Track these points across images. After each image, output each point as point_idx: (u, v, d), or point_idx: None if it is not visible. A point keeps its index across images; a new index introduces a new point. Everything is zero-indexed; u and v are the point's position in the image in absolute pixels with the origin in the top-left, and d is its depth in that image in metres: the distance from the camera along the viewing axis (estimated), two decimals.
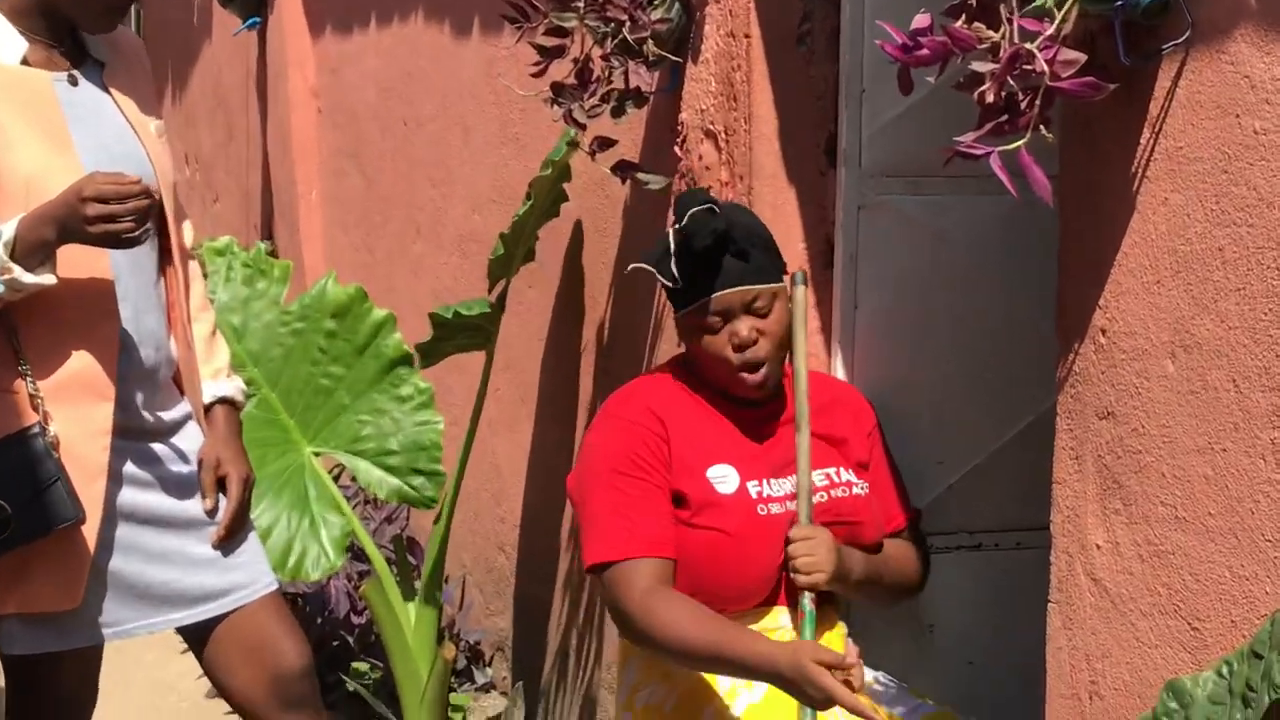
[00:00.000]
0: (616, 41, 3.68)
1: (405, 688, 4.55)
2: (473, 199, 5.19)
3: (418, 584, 4.57)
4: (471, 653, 4.97)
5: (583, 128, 3.81)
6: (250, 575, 3.17)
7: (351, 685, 4.67)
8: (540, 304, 4.73)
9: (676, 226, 3.23)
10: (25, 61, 3.00)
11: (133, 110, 3.17)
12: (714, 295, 3.25)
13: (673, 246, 3.23)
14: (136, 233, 2.85)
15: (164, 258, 3.21)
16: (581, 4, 3.68)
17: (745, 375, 3.27)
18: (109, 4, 3.05)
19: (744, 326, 3.24)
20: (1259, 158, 2.37)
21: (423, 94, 5.60)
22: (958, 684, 3.73)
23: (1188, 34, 2.47)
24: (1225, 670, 2.34)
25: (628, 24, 3.67)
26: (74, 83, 3.07)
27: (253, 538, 3.24)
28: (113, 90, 3.15)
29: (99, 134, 3.06)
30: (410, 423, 4.50)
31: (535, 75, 3.75)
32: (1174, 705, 2.36)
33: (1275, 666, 2.29)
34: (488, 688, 4.99)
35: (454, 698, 4.72)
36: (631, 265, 3.46)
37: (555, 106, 3.77)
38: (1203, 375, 2.49)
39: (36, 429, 2.93)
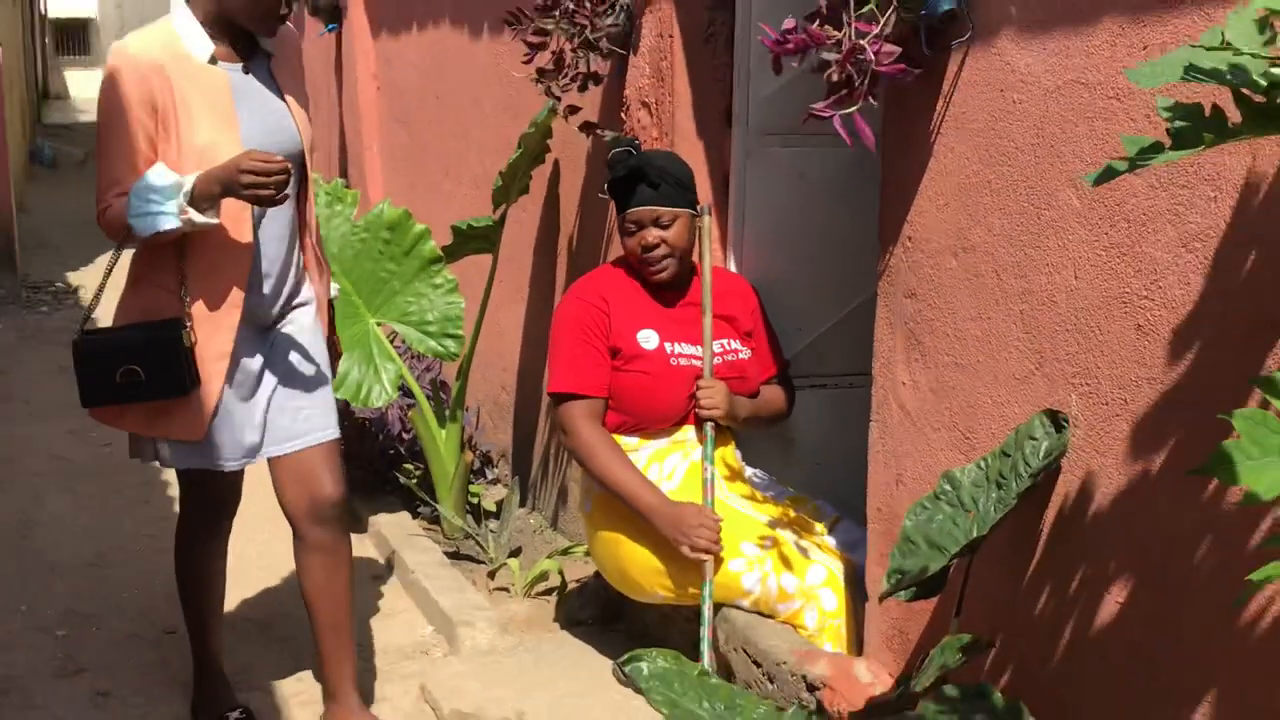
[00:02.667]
0: (581, 40, 3.66)
1: (439, 482, 4.58)
2: (483, 150, 5.15)
3: (447, 411, 4.59)
4: (484, 458, 5.00)
5: (559, 99, 3.80)
6: (321, 424, 3.16)
7: (403, 480, 4.70)
8: (531, 220, 4.72)
9: (607, 159, 3.29)
10: (213, 59, 2.94)
11: (292, 90, 3.11)
12: (630, 209, 3.30)
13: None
14: (276, 196, 2.82)
15: (302, 198, 3.17)
16: (557, 13, 3.65)
17: (648, 267, 3.35)
18: (269, 19, 2.96)
19: (650, 234, 3.33)
20: (1016, 119, 2.39)
21: (449, 76, 5.54)
22: (810, 477, 3.79)
23: (969, 34, 2.47)
24: (983, 464, 2.39)
25: (589, 27, 3.65)
26: (246, 72, 3.01)
27: (330, 397, 3.23)
28: (276, 76, 3.08)
29: (262, 113, 3.00)
30: (442, 302, 4.49)
31: (525, 63, 3.73)
32: (948, 487, 2.41)
33: (1020, 462, 2.33)
34: (494, 481, 5.02)
35: (472, 489, 4.75)
36: (600, 194, 3.51)
37: (539, 84, 3.76)
38: (975, 268, 2.52)
39: (182, 324, 2.93)
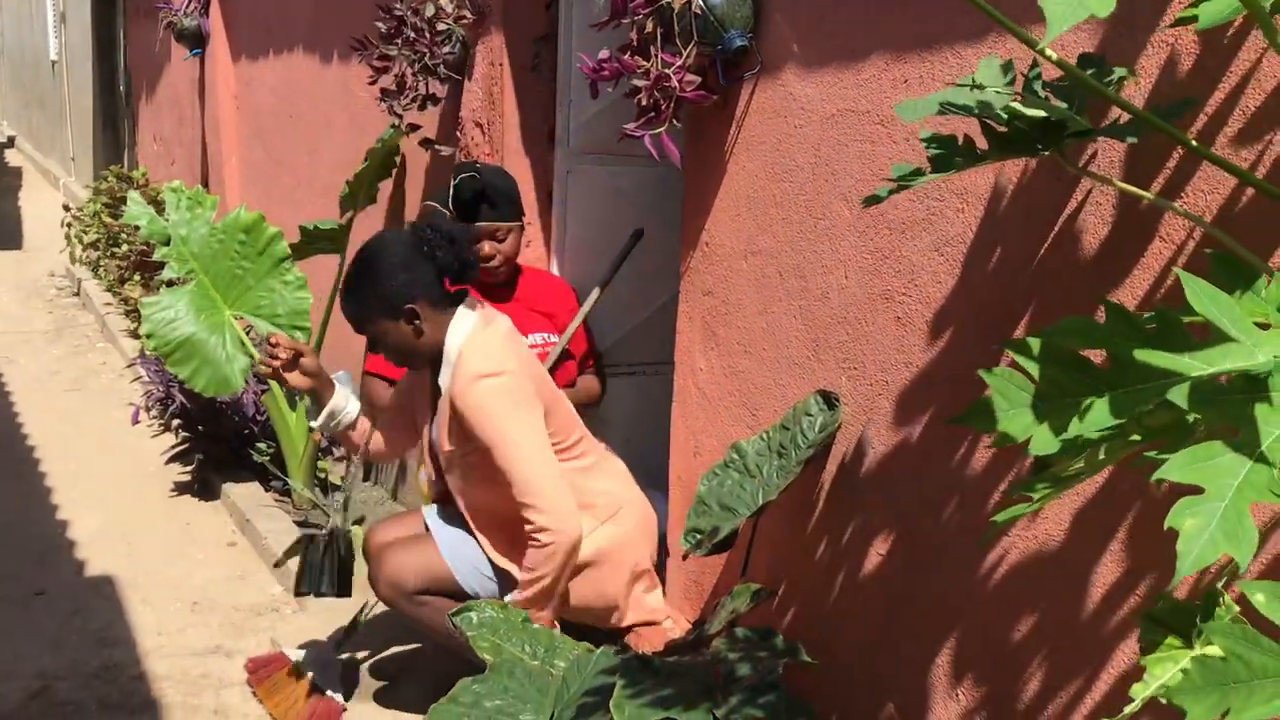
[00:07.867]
0: (421, 65, 3.57)
1: (290, 459, 4.41)
2: (332, 163, 4.99)
3: (297, 395, 4.43)
4: (331, 437, 4.86)
5: (400, 117, 3.69)
6: None
7: (256, 457, 4.52)
8: (376, 225, 4.58)
9: (454, 182, 3.17)
10: None
11: None
12: (473, 224, 3.21)
13: (451, 193, 3.19)
14: None
15: None
16: (399, 41, 3.56)
17: (485, 273, 3.27)
18: None
19: (487, 247, 3.24)
20: (796, 142, 2.40)
21: (302, 98, 5.36)
22: (622, 451, 3.73)
23: (758, 68, 2.48)
24: (765, 435, 2.39)
25: (428, 55, 3.56)
26: None
27: None
28: None
29: None
30: (291, 297, 4.29)
31: (371, 84, 3.62)
32: (735, 456, 2.41)
33: (799, 434, 2.34)
34: (341, 458, 4.88)
35: (321, 464, 4.61)
36: (424, 201, 3.37)
37: (383, 104, 3.65)
38: (762, 269, 2.53)
39: None
